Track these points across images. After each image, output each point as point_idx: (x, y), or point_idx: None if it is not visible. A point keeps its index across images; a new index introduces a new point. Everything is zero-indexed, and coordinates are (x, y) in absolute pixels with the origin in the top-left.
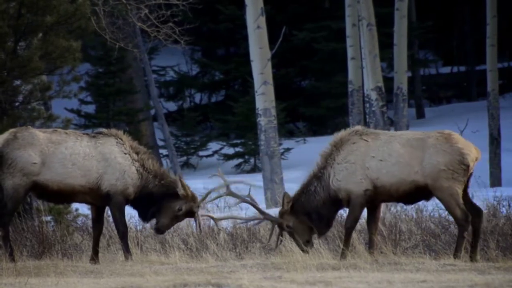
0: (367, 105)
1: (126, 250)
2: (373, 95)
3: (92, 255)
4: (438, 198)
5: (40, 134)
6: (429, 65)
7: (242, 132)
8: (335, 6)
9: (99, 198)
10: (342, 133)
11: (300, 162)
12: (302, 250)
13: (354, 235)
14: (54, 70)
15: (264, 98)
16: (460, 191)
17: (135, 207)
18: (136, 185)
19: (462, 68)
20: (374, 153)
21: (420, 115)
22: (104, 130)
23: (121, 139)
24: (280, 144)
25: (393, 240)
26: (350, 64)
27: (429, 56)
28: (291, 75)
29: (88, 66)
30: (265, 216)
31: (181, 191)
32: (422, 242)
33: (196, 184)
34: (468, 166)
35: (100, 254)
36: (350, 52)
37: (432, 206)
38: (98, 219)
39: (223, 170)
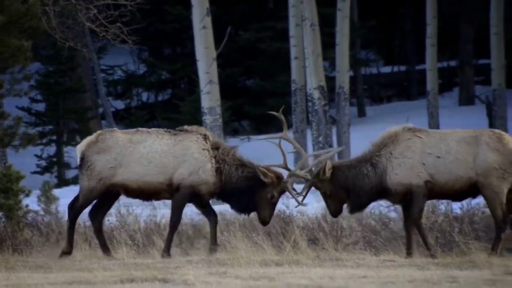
0: (310, 104)
1: (167, 246)
2: (316, 94)
3: (210, 246)
4: (483, 195)
5: (121, 136)
6: (370, 65)
7: None
8: (279, 6)
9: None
10: (395, 129)
11: None
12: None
13: (297, 231)
14: (5, 69)
15: (210, 97)
16: (505, 192)
17: (228, 202)
18: (211, 182)
19: (403, 68)
20: (431, 150)
21: (362, 113)
22: (186, 126)
23: (203, 135)
24: (225, 142)
25: (335, 237)
26: (294, 63)
27: (370, 55)
28: (236, 74)
29: (38, 65)
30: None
31: (265, 179)
32: (363, 238)
33: None
34: None
35: (49, 250)
36: (293, 52)
37: (373, 204)
38: (207, 212)
39: None
